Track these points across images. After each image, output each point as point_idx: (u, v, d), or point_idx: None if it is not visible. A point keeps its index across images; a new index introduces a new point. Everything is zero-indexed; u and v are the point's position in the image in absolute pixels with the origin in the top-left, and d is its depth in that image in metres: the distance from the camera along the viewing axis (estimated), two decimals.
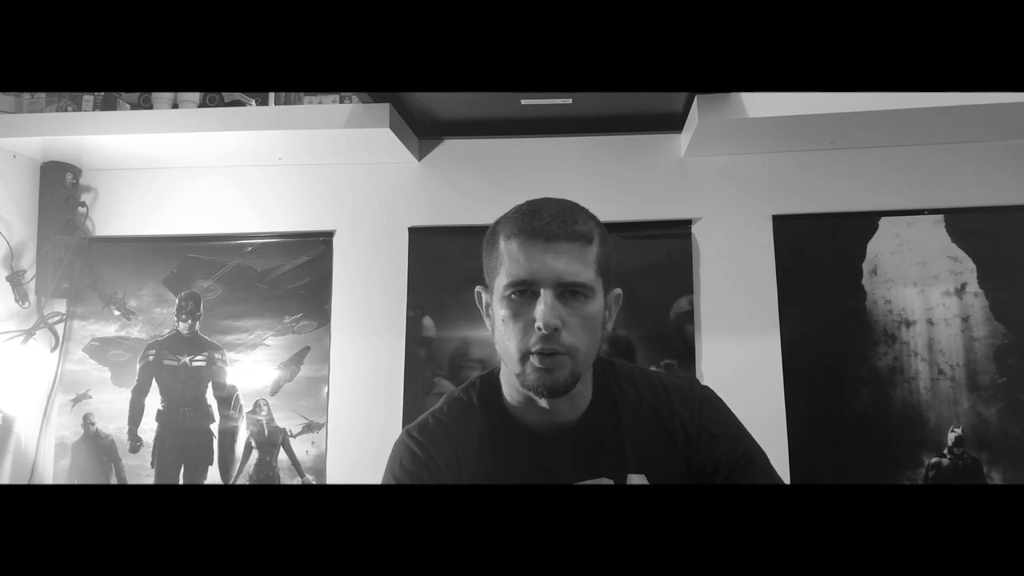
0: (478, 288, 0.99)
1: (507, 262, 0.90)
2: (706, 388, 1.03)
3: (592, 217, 0.94)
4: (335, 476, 1.81)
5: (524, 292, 0.89)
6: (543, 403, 0.92)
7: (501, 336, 0.91)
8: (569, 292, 0.88)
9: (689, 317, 1.78)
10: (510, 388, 0.97)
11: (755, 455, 0.98)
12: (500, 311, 0.91)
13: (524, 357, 0.89)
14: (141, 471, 1.86)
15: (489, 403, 1.00)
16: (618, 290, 0.98)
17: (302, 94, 1.80)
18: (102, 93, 1.84)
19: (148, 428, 1.88)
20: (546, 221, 0.89)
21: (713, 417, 0.99)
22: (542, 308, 0.86)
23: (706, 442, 0.96)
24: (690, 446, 0.96)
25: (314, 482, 1.81)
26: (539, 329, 0.86)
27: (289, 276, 1.91)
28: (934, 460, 1.69)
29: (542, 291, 0.87)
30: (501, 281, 0.91)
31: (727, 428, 0.99)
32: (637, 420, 0.97)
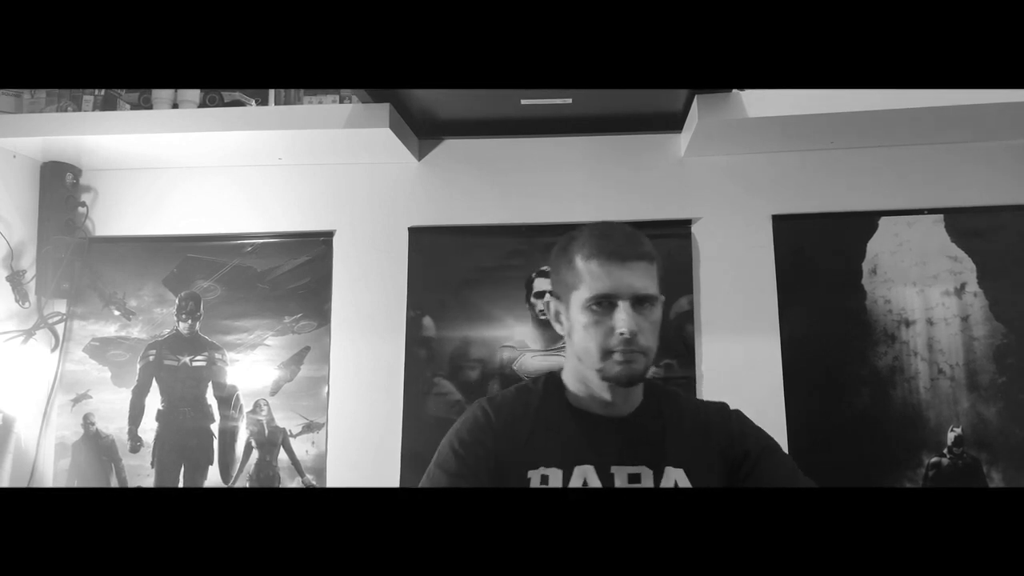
0: (547, 297, 1.17)
1: (588, 279, 1.06)
2: (736, 410, 1.19)
3: (648, 240, 1.10)
4: (335, 476, 1.81)
5: (603, 303, 1.04)
6: (607, 396, 1.09)
7: (581, 338, 1.07)
8: (640, 302, 1.05)
9: (689, 317, 1.79)
10: (576, 383, 1.13)
11: (778, 448, 1.15)
12: (581, 318, 1.06)
13: (606, 355, 1.05)
14: (141, 471, 1.87)
15: (552, 391, 1.16)
16: (662, 296, 1.12)
17: (302, 94, 1.80)
18: (102, 93, 1.84)
19: (148, 428, 1.88)
20: (620, 243, 1.06)
21: (741, 423, 1.16)
22: (623, 317, 1.03)
23: (737, 439, 1.12)
24: (723, 445, 1.12)
25: (314, 482, 1.82)
26: (621, 334, 1.03)
27: (289, 276, 1.91)
28: (934, 460, 1.69)
29: (620, 303, 1.04)
30: (582, 294, 1.06)
31: (755, 430, 1.16)
32: (677, 425, 1.13)
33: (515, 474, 1.06)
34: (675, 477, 1.06)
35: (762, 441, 1.14)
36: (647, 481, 1.06)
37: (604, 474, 1.06)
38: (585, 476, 1.05)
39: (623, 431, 1.11)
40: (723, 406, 1.18)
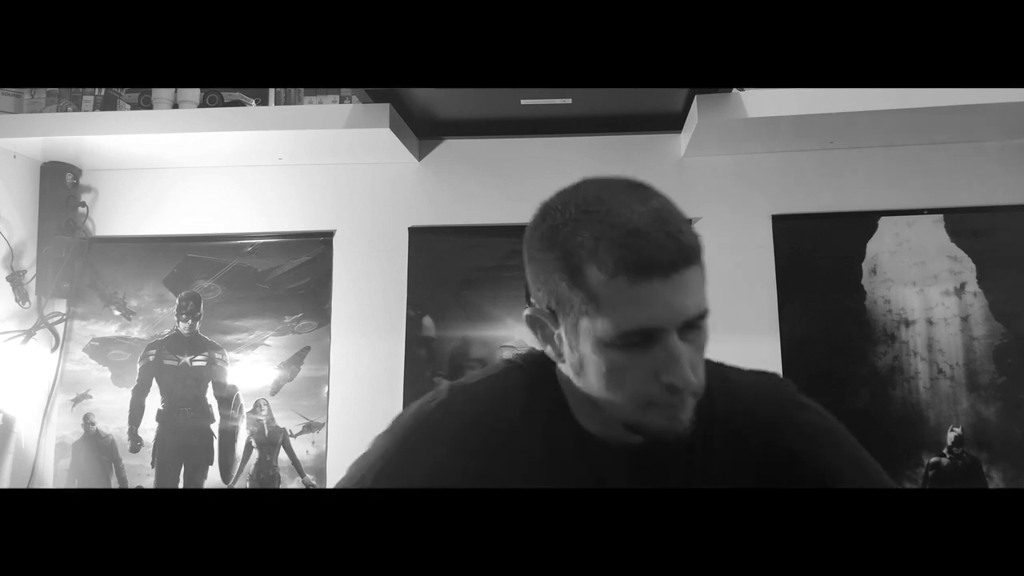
0: (531, 312, 0.79)
1: (613, 307, 0.70)
2: (798, 396, 0.88)
3: (681, 212, 0.76)
4: (335, 476, 1.80)
5: (639, 339, 0.71)
6: (631, 440, 0.81)
7: (601, 385, 0.75)
8: (689, 327, 0.73)
9: None
10: (583, 416, 0.83)
11: (834, 431, 0.85)
12: (601, 359, 0.73)
13: (644, 407, 0.74)
14: (141, 471, 1.87)
15: (548, 393, 0.85)
16: None
17: (302, 94, 1.80)
18: (102, 93, 1.84)
19: (148, 428, 1.88)
20: (657, 244, 0.70)
21: (802, 431, 0.84)
22: (673, 358, 0.71)
23: (784, 460, 0.82)
24: (769, 466, 0.82)
25: (314, 482, 1.82)
26: (673, 387, 0.72)
27: (289, 276, 1.91)
28: (934, 460, 1.69)
29: (667, 337, 0.71)
30: (604, 328, 0.71)
31: (816, 443, 0.84)
32: (708, 438, 0.82)
33: None
34: None
35: (809, 430, 0.85)
36: None
37: None
38: None
39: (637, 454, 0.82)
40: (774, 391, 0.88)
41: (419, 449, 0.83)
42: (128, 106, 1.84)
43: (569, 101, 1.66)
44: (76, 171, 1.96)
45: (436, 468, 0.82)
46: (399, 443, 0.84)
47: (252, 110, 1.78)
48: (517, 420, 0.83)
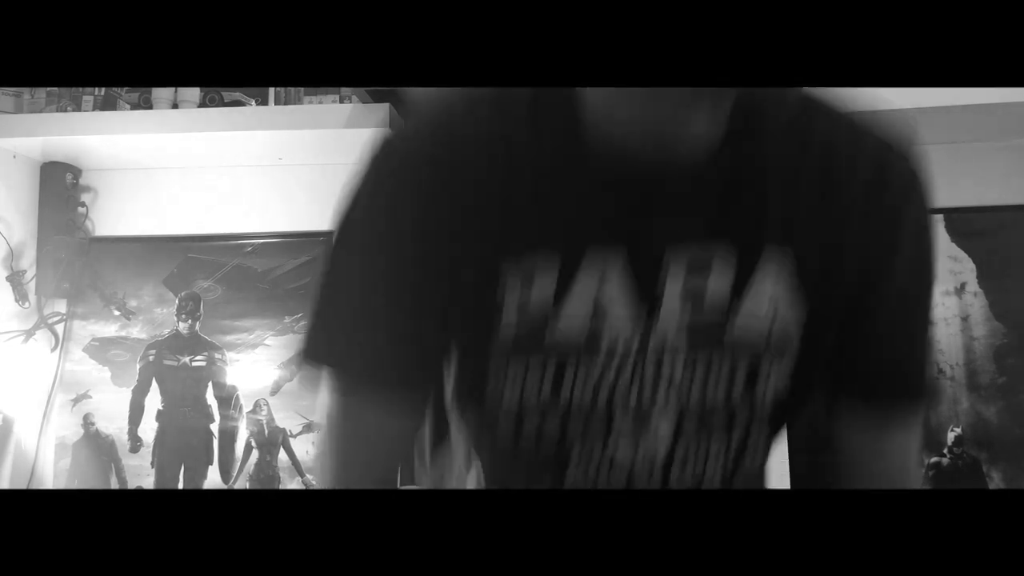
0: None
1: None
2: (917, 181, 0.67)
3: None
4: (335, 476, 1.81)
5: None
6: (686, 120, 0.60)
7: None
8: None
9: None
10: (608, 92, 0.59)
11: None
12: None
13: None
14: (141, 471, 1.87)
15: (549, 107, 0.64)
16: None
17: (302, 94, 1.80)
18: (102, 93, 1.84)
19: (148, 428, 1.88)
20: None
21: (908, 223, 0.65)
22: None
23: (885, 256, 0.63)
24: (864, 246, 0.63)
25: (315, 482, 1.82)
26: None
27: (289, 276, 1.91)
28: (934, 460, 1.69)
29: None
30: None
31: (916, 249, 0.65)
32: (795, 179, 0.61)
33: (476, 266, 0.62)
34: (774, 268, 0.59)
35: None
36: (723, 272, 0.58)
37: (644, 261, 0.58)
38: (604, 269, 0.59)
39: (686, 187, 0.61)
40: (890, 156, 0.66)
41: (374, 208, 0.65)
42: (128, 106, 1.84)
43: None
44: (76, 171, 1.96)
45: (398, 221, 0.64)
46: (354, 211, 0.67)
47: (251, 110, 1.78)
48: (507, 149, 0.63)
